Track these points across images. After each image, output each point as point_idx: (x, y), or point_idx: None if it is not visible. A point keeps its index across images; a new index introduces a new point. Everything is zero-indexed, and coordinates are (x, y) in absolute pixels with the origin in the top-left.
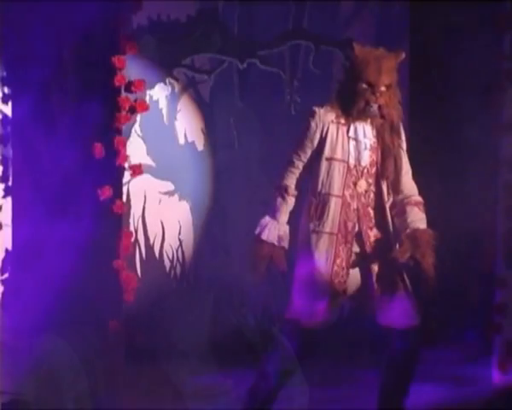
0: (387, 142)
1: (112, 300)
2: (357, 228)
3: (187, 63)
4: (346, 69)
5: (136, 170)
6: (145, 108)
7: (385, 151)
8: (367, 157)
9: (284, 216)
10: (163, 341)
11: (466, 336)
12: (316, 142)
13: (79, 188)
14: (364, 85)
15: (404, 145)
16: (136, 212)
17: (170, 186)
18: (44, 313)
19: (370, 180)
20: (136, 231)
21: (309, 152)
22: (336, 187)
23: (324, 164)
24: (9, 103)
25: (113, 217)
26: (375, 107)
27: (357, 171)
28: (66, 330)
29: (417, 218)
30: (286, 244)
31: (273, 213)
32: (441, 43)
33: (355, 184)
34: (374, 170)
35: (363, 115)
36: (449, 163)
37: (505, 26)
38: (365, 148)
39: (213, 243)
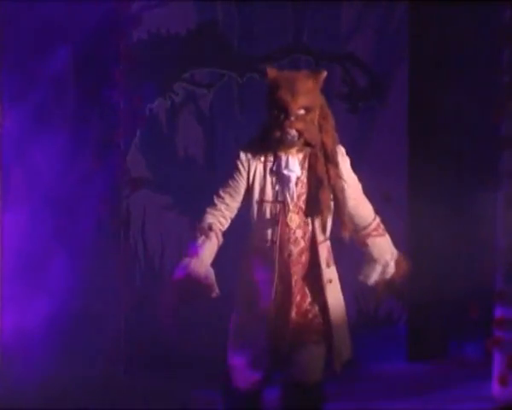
0: (320, 173)
1: (112, 313)
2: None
3: (187, 77)
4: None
5: (136, 184)
6: (144, 122)
7: (317, 183)
8: (293, 192)
9: (208, 255)
10: (163, 354)
11: (466, 351)
12: (242, 185)
13: (79, 202)
14: (277, 112)
15: (348, 174)
16: (135, 226)
17: (169, 200)
18: (43, 322)
19: (305, 219)
20: (135, 245)
21: (235, 196)
22: (269, 232)
23: (255, 207)
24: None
25: (112, 230)
26: (292, 133)
27: (288, 210)
28: (66, 340)
29: (382, 249)
30: (213, 282)
31: (195, 252)
32: (441, 56)
33: (288, 224)
34: (306, 207)
35: (282, 146)
36: (448, 176)
37: (504, 39)
38: (290, 181)
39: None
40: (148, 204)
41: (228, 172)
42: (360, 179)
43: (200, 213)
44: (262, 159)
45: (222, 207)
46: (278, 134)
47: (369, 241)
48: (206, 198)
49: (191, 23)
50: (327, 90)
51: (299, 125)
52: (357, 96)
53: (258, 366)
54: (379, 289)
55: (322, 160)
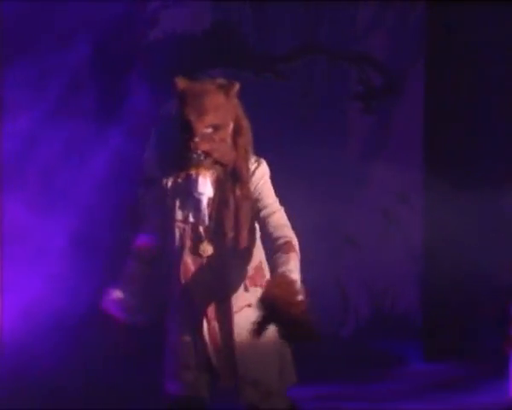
0: (226, 193)
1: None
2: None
3: (203, 77)
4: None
5: (151, 183)
6: (160, 121)
7: (221, 204)
8: (205, 215)
9: (137, 283)
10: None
11: (482, 350)
12: (157, 205)
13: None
14: (182, 130)
15: (267, 198)
16: None
17: None
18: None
19: (216, 242)
20: None
21: (152, 218)
22: (177, 253)
23: (167, 226)
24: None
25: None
26: (197, 153)
27: (198, 233)
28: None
29: (286, 266)
30: (137, 317)
31: (121, 281)
32: (457, 55)
33: (197, 248)
34: (215, 228)
35: (190, 165)
36: (465, 174)
37: None
38: (200, 203)
39: None
40: None
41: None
42: (376, 179)
43: None
44: (173, 177)
45: (144, 230)
46: (184, 154)
47: (276, 255)
48: None
49: (207, 23)
50: (342, 90)
51: (205, 146)
52: (373, 95)
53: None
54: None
55: (230, 178)
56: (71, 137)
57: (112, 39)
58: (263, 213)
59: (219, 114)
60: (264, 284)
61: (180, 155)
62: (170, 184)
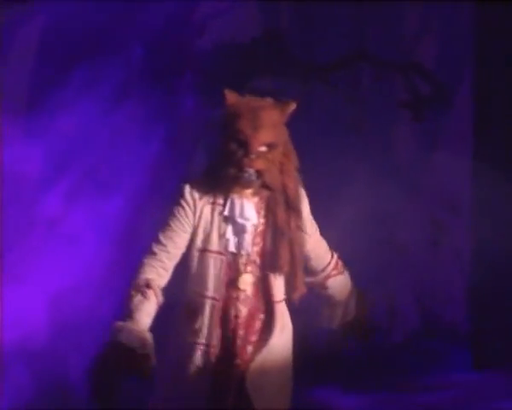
0: (280, 222)
1: None
2: (238, 342)
3: (251, 85)
4: (220, 129)
5: None
6: (208, 129)
7: (277, 234)
8: (248, 244)
9: (146, 318)
10: None
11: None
12: (187, 228)
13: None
14: (235, 145)
15: (308, 219)
16: None
17: None
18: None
19: (260, 275)
20: None
21: (178, 242)
22: (211, 287)
23: (196, 256)
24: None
25: None
26: (250, 172)
27: (238, 264)
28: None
29: (343, 289)
30: (150, 351)
31: (129, 314)
32: (507, 62)
33: (236, 280)
34: (261, 260)
35: (236, 186)
36: None
37: None
38: (245, 231)
39: None
40: None
41: (169, 212)
42: (424, 187)
43: None
44: (210, 200)
45: (163, 256)
46: (233, 172)
47: (329, 282)
48: None
49: (255, 31)
50: (390, 98)
51: (260, 165)
52: (421, 104)
53: None
54: (342, 333)
55: (282, 206)
56: (117, 141)
57: (161, 47)
58: (308, 244)
59: (275, 132)
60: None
61: (224, 174)
62: (203, 206)
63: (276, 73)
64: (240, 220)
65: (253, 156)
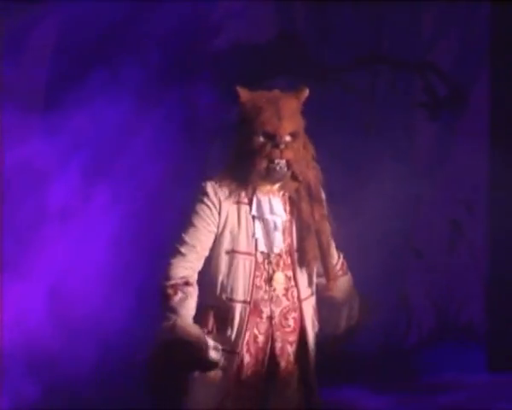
0: (306, 215)
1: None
2: (270, 343)
3: (267, 85)
4: (236, 126)
5: None
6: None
7: (303, 229)
8: (280, 241)
9: (191, 313)
10: None
11: None
12: (213, 228)
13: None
14: (262, 138)
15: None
16: None
17: None
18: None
19: (289, 273)
20: None
21: (205, 240)
22: (241, 290)
23: (224, 259)
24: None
25: None
26: (281, 164)
27: (269, 263)
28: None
29: (346, 291)
30: (206, 343)
31: (174, 312)
32: None
33: (269, 280)
34: (291, 257)
35: (268, 180)
36: None
37: None
38: (275, 228)
39: None
40: None
41: (192, 211)
42: (441, 188)
43: None
44: (235, 199)
45: (192, 257)
46: (264, 165)
47: (335, 283)
48: None
49: (271, 32)
50: (407, 99)
51: (289, 155)
52: (438, 104)
53: None
54: (342, 338)
55: (306, 199)
56: (134, 140)
57: (178, 47)
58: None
59: (297, 120)
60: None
61: (254, 170)
62: (229, 205)
63: (291, 74)
64: (270, 217)
65: (282, 147)
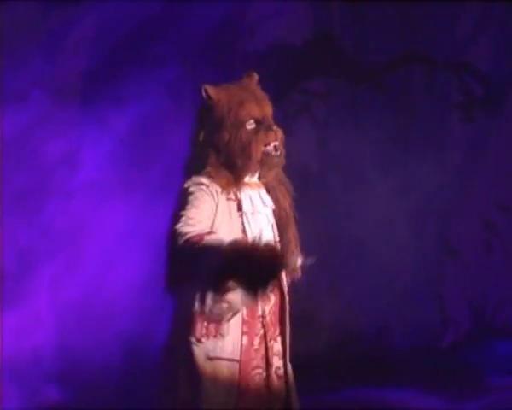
0: (286, 206)
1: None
2: (264, 343)
3: (303, 86)
4: (205, 127)
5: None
6: None
7: (282, 218)
8: (270, 235)
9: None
10: None
11: None
12: (211, 214)
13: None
14: (253, 126)
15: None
16: None
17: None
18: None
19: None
20: None
21: (207, 222)
22: None
23: None
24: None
25: None
26: (276, 145)
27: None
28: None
29: None
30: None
31: (215, 245)
32: None
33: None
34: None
35: (265, 169)
36: None
37: None
38: (268, 222)
39: None
40: None
41: (189, 198)
42: (476, 189)
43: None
44: (226, 195)
45: (200, 226)
46: (260, 150)
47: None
48: (318, 203)
49: (307, 33)
50: (442, 99)
51: (281, 134)
52: (473, 105)
53: None
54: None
55: (279, 186)
56: (168, 140)
57: (213, 47)
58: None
59: (268, 103)
60: None
61: (252, 159)
62: (222, 202)
63: (327, 74)
64: (262, 209)
65: (275, 127)
